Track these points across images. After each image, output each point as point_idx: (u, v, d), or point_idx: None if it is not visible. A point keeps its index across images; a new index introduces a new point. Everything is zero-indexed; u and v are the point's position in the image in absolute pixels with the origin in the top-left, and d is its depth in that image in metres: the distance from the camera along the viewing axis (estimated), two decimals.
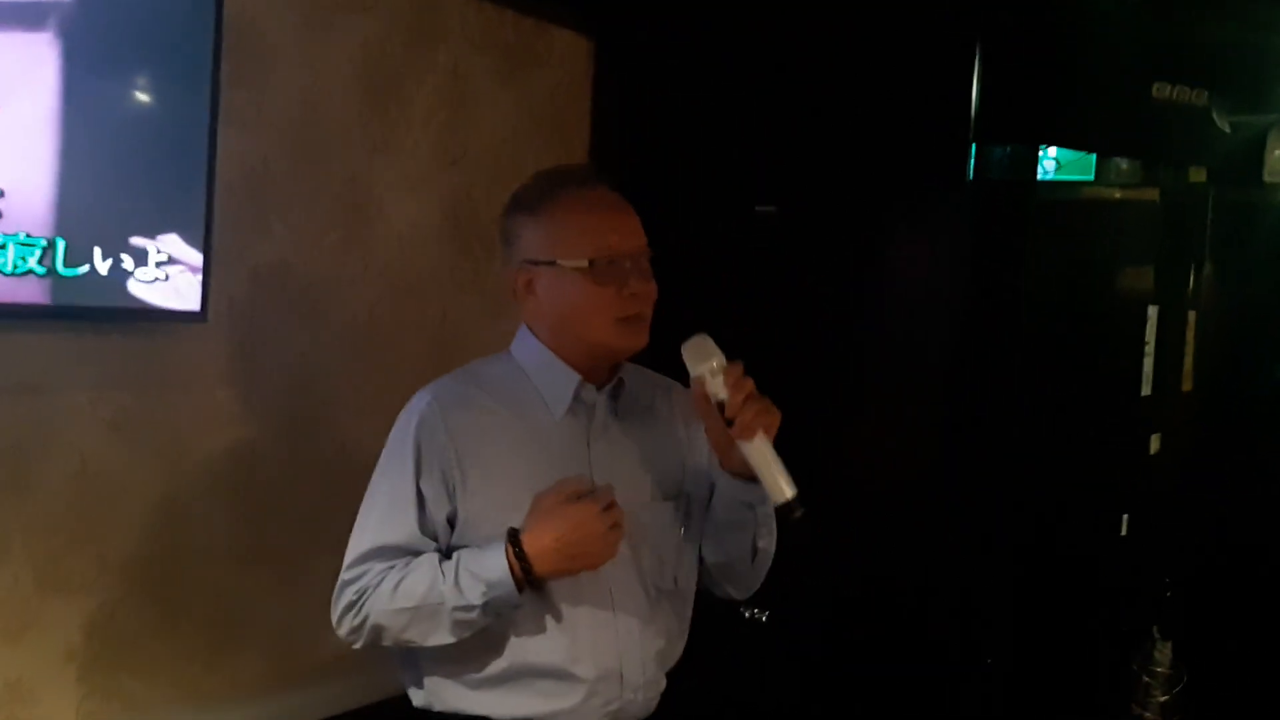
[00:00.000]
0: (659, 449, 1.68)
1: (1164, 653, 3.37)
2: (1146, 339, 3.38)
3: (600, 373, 1.70)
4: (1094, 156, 3.37)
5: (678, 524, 1.71)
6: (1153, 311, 3.39)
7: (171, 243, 2.31)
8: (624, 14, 3.44)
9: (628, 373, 1.74)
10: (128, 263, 2.23)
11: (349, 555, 1.65)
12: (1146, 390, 3.41)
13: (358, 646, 1.66)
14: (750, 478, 1.62)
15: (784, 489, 1.54)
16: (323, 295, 2.77)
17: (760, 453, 1.55)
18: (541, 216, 1.66)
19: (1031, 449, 3.04)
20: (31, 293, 2.10)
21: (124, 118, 2.24)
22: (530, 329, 1.73)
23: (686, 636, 1.79)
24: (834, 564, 3.13)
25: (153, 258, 2.27)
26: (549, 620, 1.61)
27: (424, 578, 1.58)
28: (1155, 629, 3.42)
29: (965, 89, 3.03)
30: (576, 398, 1.67)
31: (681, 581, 1.74)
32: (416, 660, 1.67)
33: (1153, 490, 3.48)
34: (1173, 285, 3.51)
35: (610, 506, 1.56)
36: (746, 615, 3.30)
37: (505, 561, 1.53)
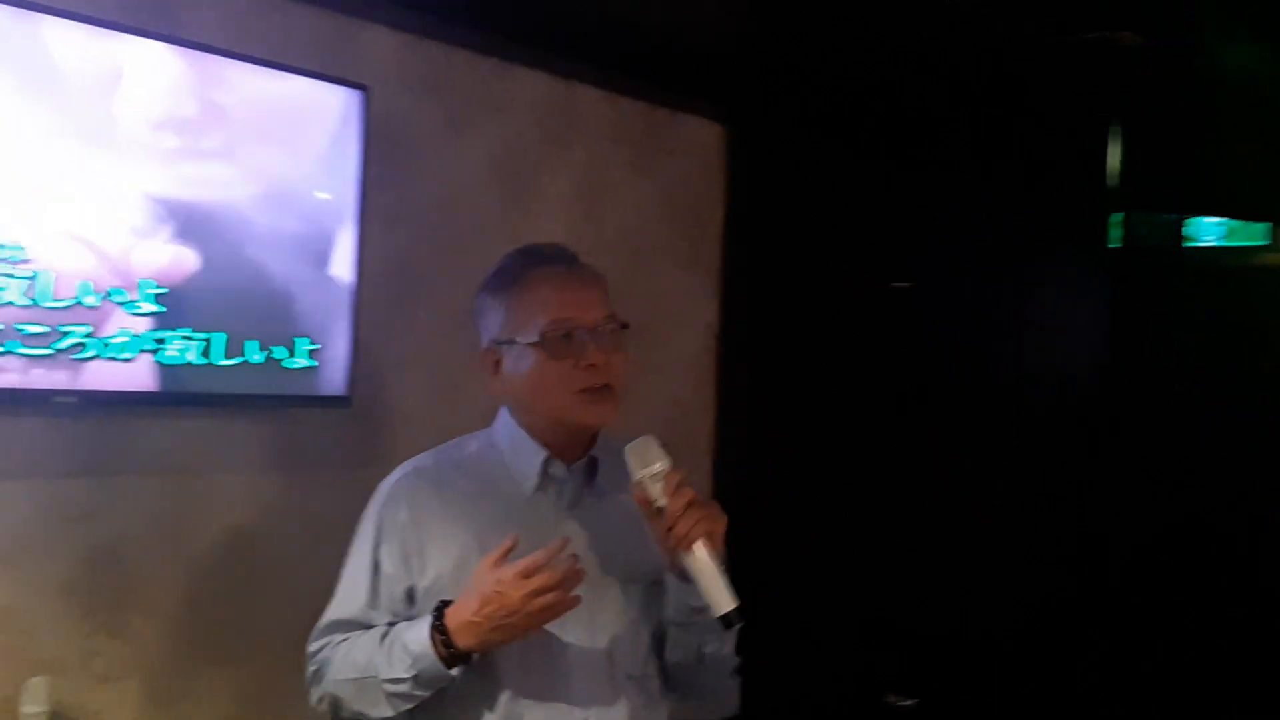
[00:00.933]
0: (635, 531, 1.56)
1: None
2: None
3: (573, 450, 1.65)
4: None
5: (651, 609, 1.63)
6: None
7: (320, 333, 2.47)
8: (755, 100, 3.53)
9: (606, 451, 1.67)
10: (280, 353, 2.40)
11: (315, 628, 1.68)
12: None
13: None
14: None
15: (723, 600, 1.47)
16: (464, 378, 2.89)
17: (700, 562, 1.48)
18: (500, 296, 1.66)
19: (1174, 533, 2.91)
20: (192, 382, 2.28)
21: (277, 217, 2.42)
22: (504, 409, 1.72)
23: None
24: (979, 651, 3.06)
25: (303, 348, 2.43)
26: (500, 702, 1.57)
27: (365, 649, 1.58)
28: None
29: (1101, 157, 2.99)
30: (545, 474, 1.64)
31: (652, 669, 1.67)
32: None
33: None
34: None
35: (539, 571, 1.48)
36: (891, 701, 3.24)
37: (428, 634, 1.51)
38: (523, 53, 3.02)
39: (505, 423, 1.69)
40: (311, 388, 2.47)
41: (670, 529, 1.48)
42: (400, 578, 1.61)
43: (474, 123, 2.94)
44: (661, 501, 1.49)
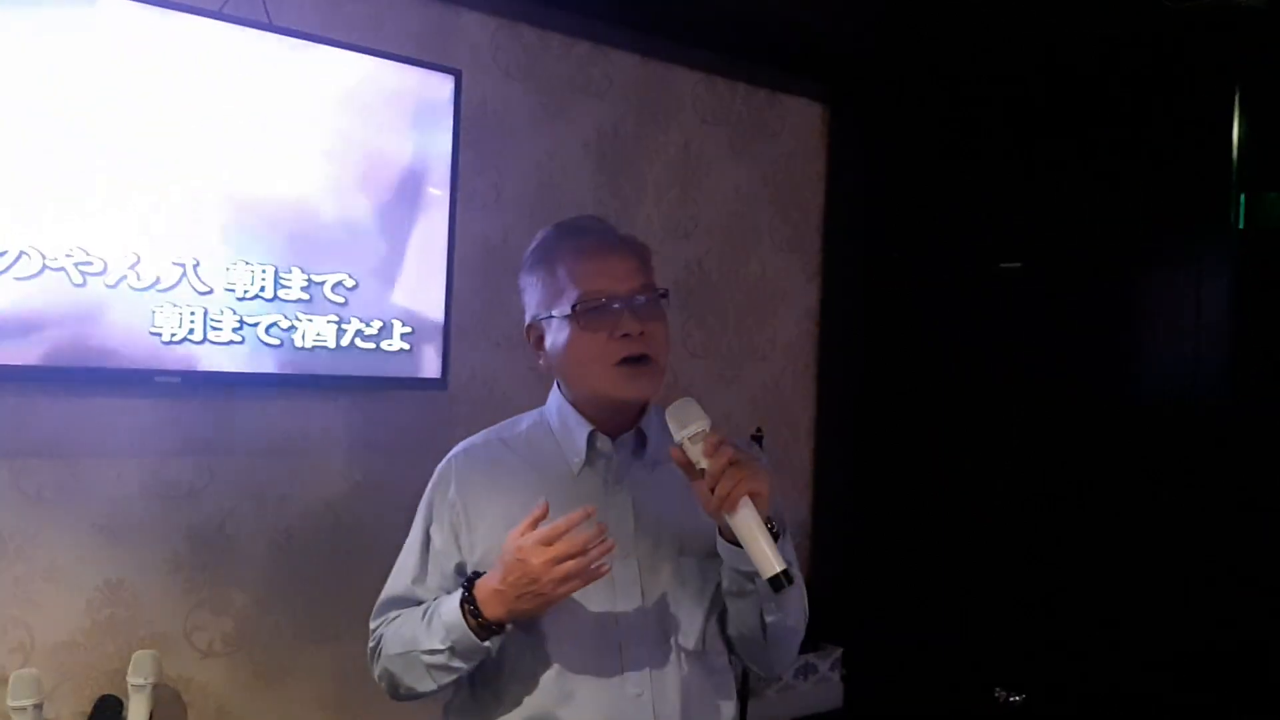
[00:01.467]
0: (689, 503, 1.51)
1: None
2: None
3: (619, 423, 1.62)
4: None
5: (706, 582, 1.58)
6: None
7: (415, 317, 2.50)
8: (859, 79, 3.45)
9: (655, 423, 1.63)
10: (378, 336, 2.43)
11: (375, 605, 1.68)
12: None
13: (393, 698, 1.64)
14: None
15: (769, 562, 1.41)
16: None
17: (744, 523, 1.43)
18: (536, 273, 1.63)
19: None
20: (295, 365, 2.33)
21: (373, 203, 2.45)
22: (556, 383, 1.69)
23: (733, 709, 1.66)
24: (1093, 645, 2.94)
25: (398, 330, 2.46)
26: (550, 675, 1.55)
27: (411, 623, 1.57)
28: None
29: (1225, 130, 2.84)
30: (592, 448, 1.61)
31: (710, 642, 1.62)
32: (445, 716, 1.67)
33: None
34: None
35: (561, 537, 1.44)
36: (1000, 696, 3.14)
37: (459, 605, 1.50)
38: (617, 36, 3.00)
39: (555, 398, 1.67)
40: (408, 370, 2.50)
41: (712, 490, 1.44)
42: (451, 554, 1.61)
43: (569, 106, 2.93)
44: (703, 463, 1.44)
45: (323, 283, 2.36)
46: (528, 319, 1.64)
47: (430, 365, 2.53)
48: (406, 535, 2.56)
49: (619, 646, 1.55)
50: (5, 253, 1.98)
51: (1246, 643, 2.73)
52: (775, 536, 1.45)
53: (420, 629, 1.54)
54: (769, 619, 1.56)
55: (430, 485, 1.67)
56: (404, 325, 2.48)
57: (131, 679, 2.18)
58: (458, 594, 1.51)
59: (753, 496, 1.44)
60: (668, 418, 1.49)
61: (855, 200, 3.51)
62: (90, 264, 2.07)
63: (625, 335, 1.53)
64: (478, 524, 1.59)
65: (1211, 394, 2.82)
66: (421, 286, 2.52)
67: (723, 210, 3.28)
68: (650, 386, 1.57)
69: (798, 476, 3.52)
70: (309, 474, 2.50)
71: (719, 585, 1.57)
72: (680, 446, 1.46)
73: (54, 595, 2.18)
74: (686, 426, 1.46)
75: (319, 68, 2.35)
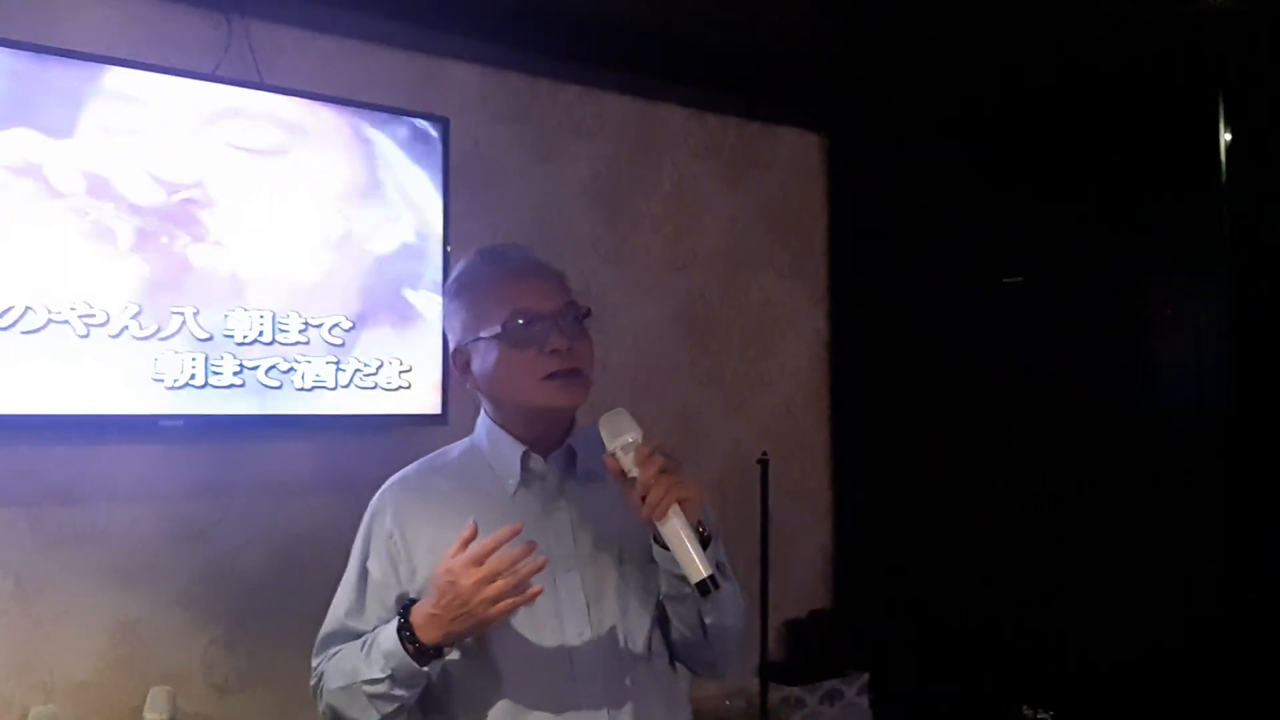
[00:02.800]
0: (623, 514, 1.54)
1: None
2: None
3: (548, 442, 1.65)
4: None
5: (648, 589, 1.61)
6: None
7: (413, 356, 2.58)
8: (853, 106, 3.51)
9: (582, 440, 1.66)
10: (378, 375, 2.52)
11: (316, 641, 1.70)
12: None
13: None
14: None
15: (698, 567, 1.45)
16: None
17: (673, 530, 1.47)
18: (461, 298, 1.66)
19: None
20: (295, 405, 2.43)
21: (367, 246, 2.56)
22: (483, 409, 1.71)
23: (686, 711, 1.69)
24: (1119, 660, 2.91)
25: (396, 368, 2.55)
26: (501, 690, 1.56)
27: (351, 655, 1.59)
28: None
29: (1213, 143, 2.85)
30: (525, 469, 1.63)
31: (656, 646, 1.64)
32: None
33: None
34: None
35: (483, 558, 1.46)
36: (1028, 714, 3.11)
37: (395, 631, 1.51)
38: (606, 78, 3.10)
39: (483, 424, 1.70)
40: (408, 407, 2.58)
41: (643, 499, 1.47)
42: (390, 585, 1.62)
43: (561, 148, 3.03)
44: (634, 472, 1.48)
45: (320, 325, 2.47)
46: (453, 345, 1.68)
47: (430, 402, 2.62)
48: None
49: (570, 659, 1.57)
50: (11, 309, 2.11)
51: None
52: (706, 541, 1.50)
53: (360, 660, 1.56)
54: (707, 620, 1.59)
55: (366, 518, 1.69)
56: (402, 364, 2.57)
57: (148, 715, 2.27)
58: (394, 622, 1.53)
59: (683, 503, 1.47)
60: (600, 427, 1.52)
61: (858, 224, 3.56)
62: (93, 316, 2.19)
63: (554, 351, 1.57)
64: (416, 552, 1.61)
65: (1212, 399, 2.82)
66: (418, 326, 2.61)
67: (721, 241, 3.35)
68: (580, 395, 1.61)
69: (815, 502, 3.54)
70: (315, 511, 2.58)
71: (657, 591, 1.61)
72: (613, 455, 1.49)
73: (72, 634, 2.28)
74: (619, 436, 1.50)
75: (309, 121, 2.47)
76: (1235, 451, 2.79)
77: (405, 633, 1.50)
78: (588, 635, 1.58)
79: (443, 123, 2.67)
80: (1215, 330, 2.85)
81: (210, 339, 2.32)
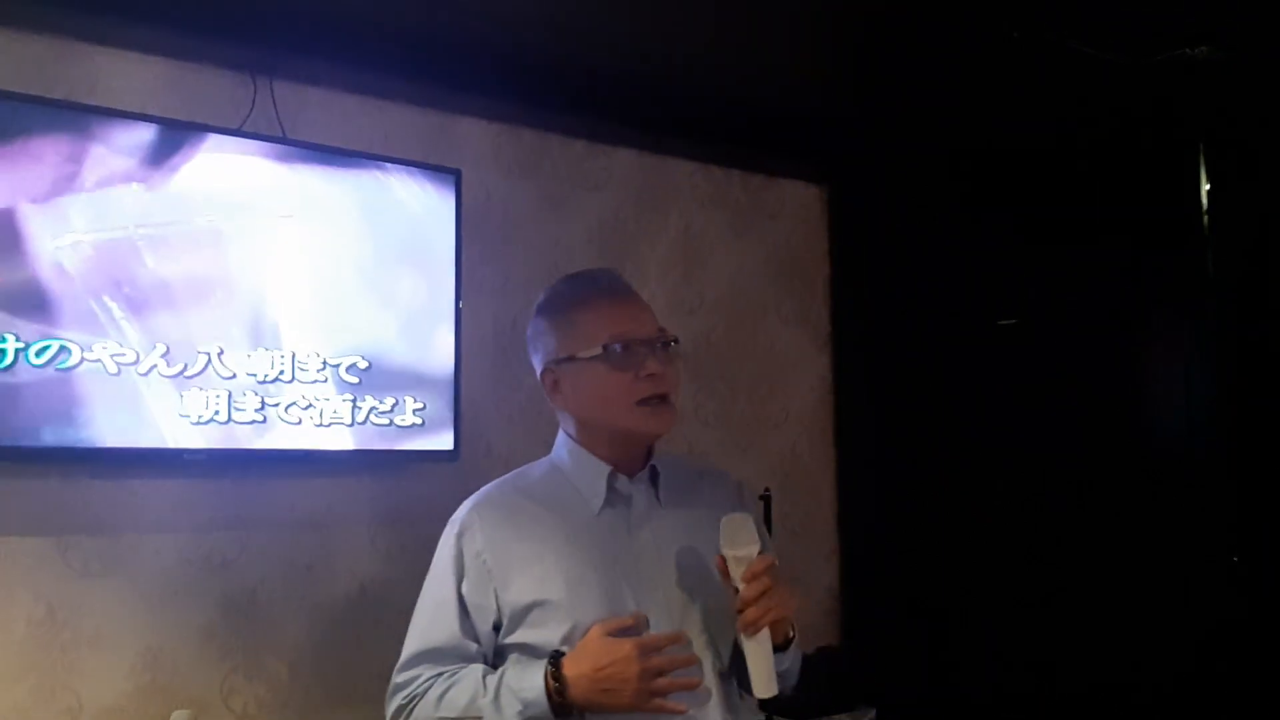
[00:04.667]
0: (702, 537, 1.63)
1: None
2: None
3: (633, 463, 1.71)
4: None
5: (729, 613, 1.64)
6: None
7: (427, 394, 2.70)
8: (855, 159, 3.63)
9: (664, 461, 1.74)
10: (392, 412, 2.64)
11: (400, 659, 1.73)
12: None
13: None
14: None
15: (764, 687, 1.57)
16: None
17: (755, 648, 1.57)
18: (558, 318, 1.73)
19: None
20: (315, 441, 2.54)
21: (396, 298, 2.69)
22: (564, 430, 1.78)
23: None
24: (1127, 695, 2.95)
25: (410, 406, 2.66)
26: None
27: (467, 690, 1.61)
28: None
29: (1195, 191, 2.96)
30: (611, 489, 1.69)
31: (731, 666, 1.71)
32: None
33: None
34: None
35: (652, 652, 1.55)
36: None
37: (542, 681, 1.55)
38: (614, 132, 3.24)
39: (565, 444, 1.76)
40: (422, 443, 2.69)
41: (740, 611, 1.56)
42: (487, 608, 1.66)
43: (570, 199, 3.17)
44: (739, 585, 1.57)
45: (338, 364, 2.59)
46: (542, 365, 1.75)
47: (443, 439, 2.73)
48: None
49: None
50: (49, 347, 2.24)
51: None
52: (788, 642, 1.64)
53: (484, 701, 1.58)
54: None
55: (451, 538, 1.72)
56: (415, 401, 2.68)
57: None
58: (536, 669, 1.57)
59: (776, 623, 1.58)
60: (722, 526, 1.60)
61: (860, 272, 3.67)
62: (124, 355, 2.32)
63: (650, 375, 1.64)
64: (510, 574, 1.66)
65: (1202, 432, 2.89)
66: (432, 366, 2.73)
67: (727, 288, 3.46)
68: (669, 422, 1.68)
69: (822, 542, 3.61)
70: (334, 544, 2.69)
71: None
72: (724, 558, 1.59)
73: (99, 661, 2.38)
74: (736, 546, 1.59)
75: (330, 174, 2.62)
76: (1227, 481, 2.85)
77: (555, 684, 1.55)
78: (674, 650, 1.61)
79: (455, 174, 2.80)
80: (1203, 367, 2.93)
81: (234, 377, 2.44)
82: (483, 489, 1.79)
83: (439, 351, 2.74)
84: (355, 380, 2.60)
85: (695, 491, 1.79)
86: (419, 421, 2.68)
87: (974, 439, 3.35)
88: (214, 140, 2.48)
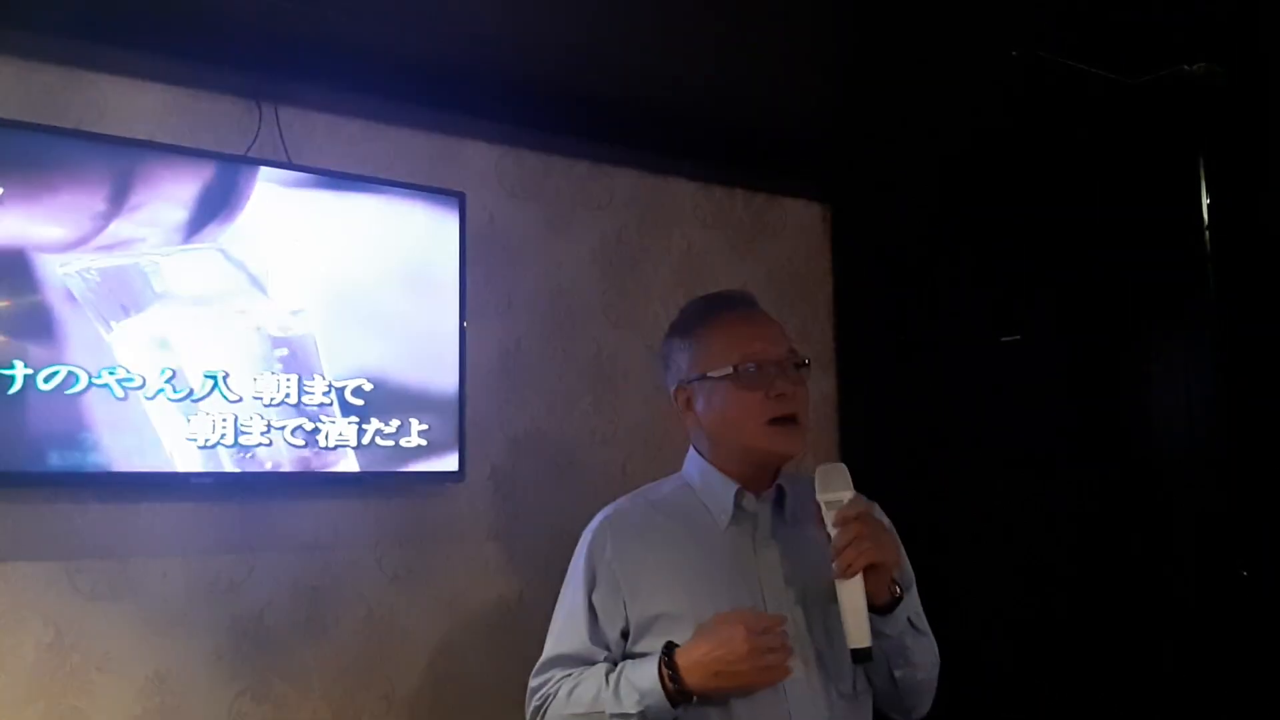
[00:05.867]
0: (827, 555, 1.62)
1: None
2: None
3: (761, 482, 1.74)
4: None
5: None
6: None
7: (432, 416, 2.71)
8: (856, 177, 3.65)
9: (790, 481, 1.76)
10: (397, 433, 2.65)
11: (537, 664, 1.78)
12: None
13: None
14: (874, 606, 1.62)
15: (855, 635, 1.56)
16: (578, 454, 3.08)
17: (847, 594, 1.57)
18: (690, 338, 1.78)
19: None
20: (318, 463, 2.56)
21: (400, 320, 2.71)
22: (695, 447, 1.81)
23: None
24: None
25: (415, 428, 2.68)
26: None
27: (592, 686, 1.66)
28: None
29: (1195, 208, 2.96)
30: (739, 506, 1.72)
31: (860, 687, 1.72)
32: None
33: None
34: None
35: (767, 631, 1.58)
36: None
37: (657, 671, 1.59)
38: (616, 154, 3.26)
39: (694, 461, 1.80)
40: (427, 465, 2.70)
41: (835, 558, 1.58)
42: (615, 616, 1.71)
43: (574, 221, 3.19)
44: (832, 530, 1.59)
45: (343, 387, 2.60)
46: (674, 383, 1.80)
47: (448, 460, 2.74)
48: (435, 624, 2.75)
49: (785, 695, 1.65)
50: (57, 372, 2.26)
51: None
52: (897, 599, 1.63)
53: (605, 694, 1.63)
54: (897, 673, 1.70)
55: (585, 549, 1.78)
56: (420, 423, 2.70)
57: None
58: (651, 661, 1.62)
59: (874, 568, 1.58)
60: (816, 474, 1.64)
61: (862, 290, 3.68)
62: (131, 380, 2.34)
63: (780, 395, 1.68)
64: (640, 585, 1.71)
65: (1203, 445, 2.89)
66: (436, 388, 2.74)
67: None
68: (799, 443, 1.72)
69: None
70: (340, 567, 2.70)
71: None
72: (819, 505, 1.62)
73: (107, 685, 2.38)
74: (829, 491, 1.62)
75: (335, 198, 2.64)
76: (1227, 492, 2.85)
77: (669, 671, 1.59)
78: (800, 673, 1.65)
79: (459, 197, 2.83)
80: (1203, 380, 2.93)
81: (240, 400, 2.46)
82: (615, 502, 1.84)
83: (444, 373, 2.76)
84: (360, 403, 2.62)
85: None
86: (424, 443, 2.70)
87: (978, 454, 3.35)
88: (220, 166, 2.50)
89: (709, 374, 1.72)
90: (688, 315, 1.84)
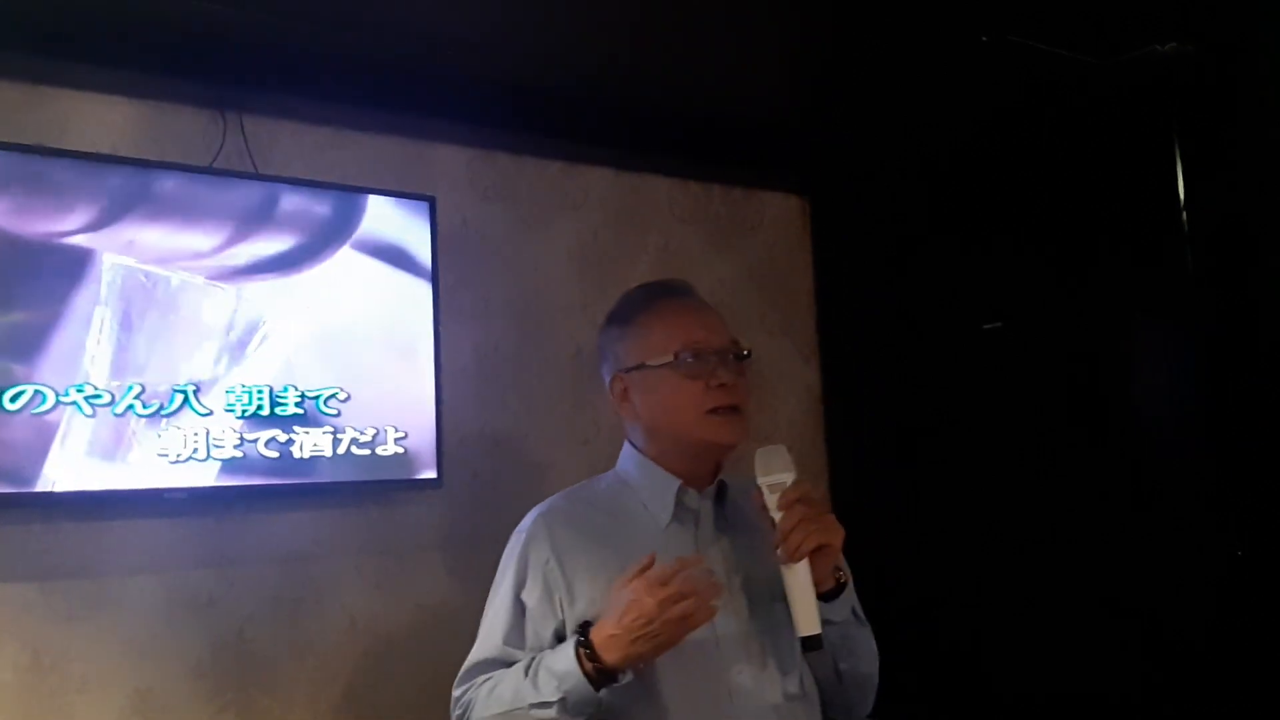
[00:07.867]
0: (771, 554, 1.57)
1: None
2: None
3: (702, 477, 1.69)
4: None
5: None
6: None
7: (408, 423, 2.69)
8: (833, 169, 3.63)
9: (732, 479, 1.72)
10: (373, 441, 2.63)
11: (459, 674, 1.70)
12: None
13: None
14: (820, 593, 1.57)
15: (804, 623, 1.51)
16: (559, 456, 3.06)
17: (795, 579, 1.52)
18: (629, 326, 1.71)
19: None
20: (294, 474, 2.54)
21: (373, 323, 2.69)
22: (631, 441, 1.75)
23: None
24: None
25: (391, 436, 2.66)
26: None
27: (511, 682, 1.58)
28: None
29: (1171, 188, 2.94)
30: (680, 503, 1.66)
31: (808, 686, 1.67)
32: None
33: None
34: None
35: (673, 579, 1.49)
36: None
37: (574, 652, 1.52)
38: (589, 152, 3.24)
39: (631, 456, 1.73)
40: (404, 472, 2.68)
41: (779, 544, 1.53)
42: (547, 616, 1.63)
43: (548, 221, 3.16)
44: (776, 514, 1.54)
45: (316, 397, 2.58)
46: (611, 373, 1.72)
47: (426, 467, 2.72)
48: (416, 633, 2.73)
49: (729, 695, 1.60)
50: (23, 392, 2.24)
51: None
52: (841, 586, 1.58)
53: (524, 685, 1.55)
54: (842, 666, 1.66)
55: (518, 546, 1.68)
56: (396, 430, 2.67)
57: None
58: (569, 643, 1.54)
59: (819, 551, 1.52)
60: (756, 459, 1.59)
61: (843, 281, 3.66)
62: (99, 397, 2.31)
63: (721, 385, 1.63)
64: (575, 584, 1.63)
65: (1187, 429, 2.87)
66: (412, 394, 2.72)
67: (710, 302, 3.41)
68: (740, 433, 1.66)
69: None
70: (320, 577, 2.68)
71: None
72: (760, 489, 1.57)
73: (89, 705, 2.36)
74: (770, 474, 1.57)
75: (299, 204, 2.61)
76: (1212, 478, 2.83)
77: (585, 651, 1.51)
78: (745, 671, 1.61)
79: (430, 201, 2.80)
80: (1185, 360, 2.91)
81: (210, 414, 2.44)
82: (548, 499, 1.76)
83: (419, 379, 2.73)
84: (334, 412, 2.60)
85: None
86: (401, 450, 2.68)
87: (964, 444, 3.33)
88: (185, 179, 2.47)
89: (647, 362, 1.66)
90: (626, 303, 1.77)
